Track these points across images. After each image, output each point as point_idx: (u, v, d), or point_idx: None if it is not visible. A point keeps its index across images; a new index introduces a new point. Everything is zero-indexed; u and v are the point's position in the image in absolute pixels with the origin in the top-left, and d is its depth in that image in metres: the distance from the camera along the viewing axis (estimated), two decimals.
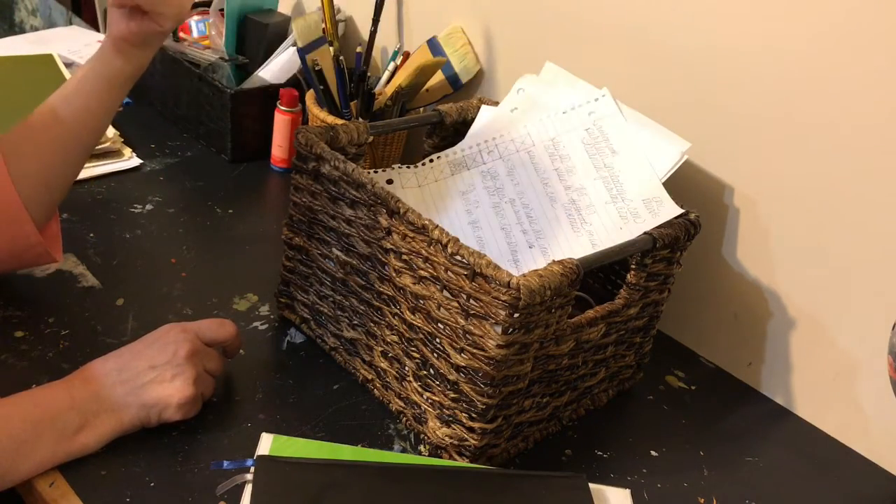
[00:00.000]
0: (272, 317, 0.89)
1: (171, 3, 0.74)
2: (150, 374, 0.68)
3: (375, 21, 1.18)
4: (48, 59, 1.31)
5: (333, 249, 0.80)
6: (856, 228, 0.83)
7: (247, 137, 1.18)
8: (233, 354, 0.78)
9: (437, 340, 0.71)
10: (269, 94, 1.18)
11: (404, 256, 0.72)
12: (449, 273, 0.68)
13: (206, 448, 0.71)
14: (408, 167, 0.86)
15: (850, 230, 0.83)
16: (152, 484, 0.67)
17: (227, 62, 1.23)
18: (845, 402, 0.88)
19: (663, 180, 0.81)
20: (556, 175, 0.84)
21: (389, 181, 0.85)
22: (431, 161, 0.87)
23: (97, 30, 1.50)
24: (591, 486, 0.70)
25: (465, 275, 0.66)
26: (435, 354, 0.72)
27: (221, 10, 1.29)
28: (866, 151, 0.80)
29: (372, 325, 0.79)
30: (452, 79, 1.15)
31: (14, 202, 0.75)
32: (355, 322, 0.81)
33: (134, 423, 0.68)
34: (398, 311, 0.75)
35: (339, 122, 1.09)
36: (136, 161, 1.12)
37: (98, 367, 0.69)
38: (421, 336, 0.73)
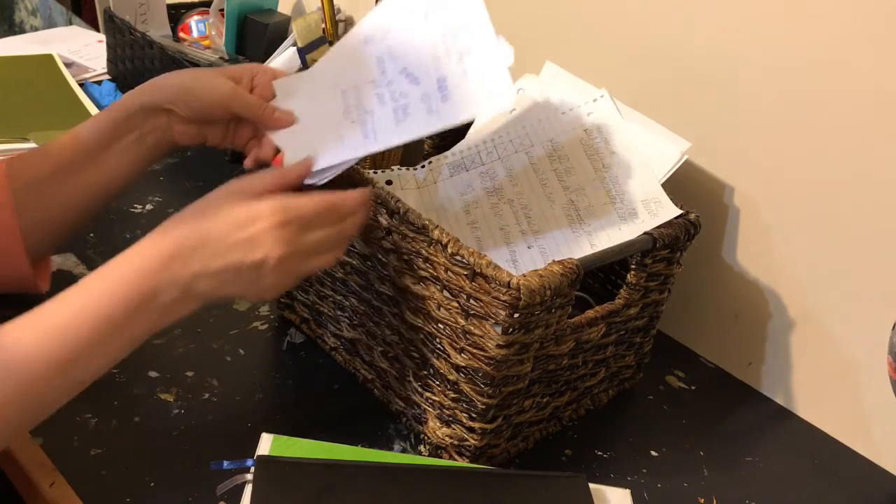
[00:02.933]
0: (272, 317, 0.89)
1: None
2: (232, 274, 0.59)
3: None
4: (48, 59, 1.31)
5: None
6: (856, 228, 0.83)
7: None
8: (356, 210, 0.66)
9: (437, 340, 0.71)
10: None
11: (404, 256, 0.72)
12: (449, 273, 0.68)
13: (206, 448, 0.71)
14: (407, 169, 0.86)
15: (850, 230, 0.83)
16: (152, 484, 0.67)
17: (227, 62, 1.23)
18: (845, 402, 0.88)
19: (663, 180, 0.81)
20: (555, 176, 0.84)
21: (389, 182, 0.85)
22: (430, 163, 0.87)
23: (97, 30, 1.50)
24: (591, 486, 0.70)
25: (465, 275, 0.66)
26: (435, 354, 0.72)
27: (221, 10, 1.30)
28: (866, 151, 0.80)
29: (372, 325, 0.79)
30: None
31: (9, 226, 0.69)
32: (355, 322, 0.81)
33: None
34: (398, 311, 0.75)
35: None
36: None
37: (179, 242, 0.59)
38: (421, 336, 0.73)
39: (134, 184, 0.75)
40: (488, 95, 0.66)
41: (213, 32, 1.31)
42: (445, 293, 0.69)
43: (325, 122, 0.72)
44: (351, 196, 0.65)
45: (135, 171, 0.75)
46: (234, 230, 0.59)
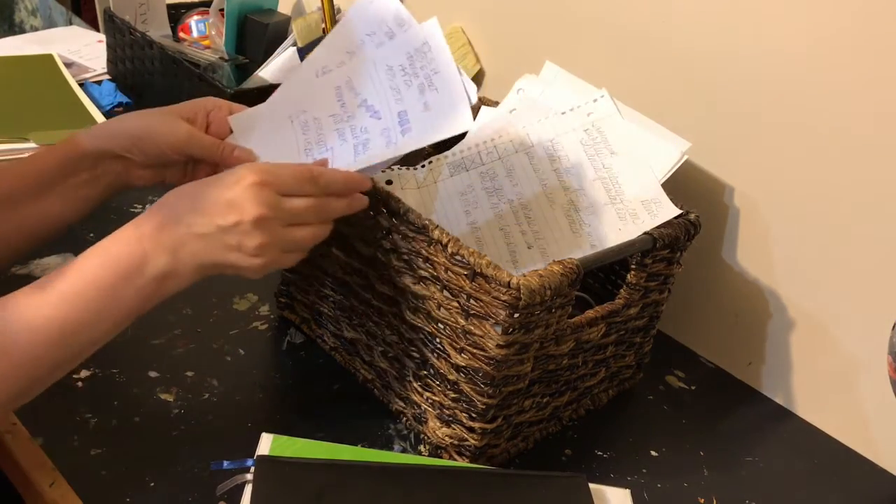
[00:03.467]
0: (272, 317, 0.89)
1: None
2: (215, 238, 0.60)
3: None
4: (48, 59, 1.31)
5: (333, 249, 0.80)
6: (856, 228, 0.83)
7: None
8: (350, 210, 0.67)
9: (437, 340, 0.71)
10: (269, 94, 1.17)
11: (404, 256, 0.72)
12: (449, 273, 0.68)
13: (206, 448, 0.71)
14: (407, 169, 0.86)
15: (850, 230, 0.83)
16: (152, 484, 0.67)
17: (227, 62, 1.23)
18: (845, 402, 0.88)
19: (664, 180, 0.81)
20: (555, 176, 0.84)
21: (389, 182, 0.85)
22: (430, 163, 0.87)
23: (97, 30, 1.50)
24: (591, 486, 0.70)
25: (465, 275, 0.66)
26: (435, 354, 0.72)
27: (221, 10, 1.29)
28: (866, 151, 0.80)
29: (372, 325, 0.79)
30: None
31: None
32: (355, 322, 0.81)
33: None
34: (398, 311, 0.75)
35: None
36: None
37: (170, 210, 0.61)
38: (421, 336, 0.73)
39: (86, 216, 0.75)
40: (449, 127, 0.66)
41: (213, 32, 1.31)
42: (445, 293, 0.69)
43: (285, 159, 0.71)
44: (331, 170, 0.65)
45: (87, 208, 0.74)
46: (217, 192, 0.60)
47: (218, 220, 0.60)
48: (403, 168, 0.86)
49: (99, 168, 0.72)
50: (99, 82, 1.31)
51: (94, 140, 0.72)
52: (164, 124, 0.72)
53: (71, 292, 0.58)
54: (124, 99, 1.28)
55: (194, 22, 1.35)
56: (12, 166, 0.72)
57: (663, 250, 0.78)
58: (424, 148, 0.94)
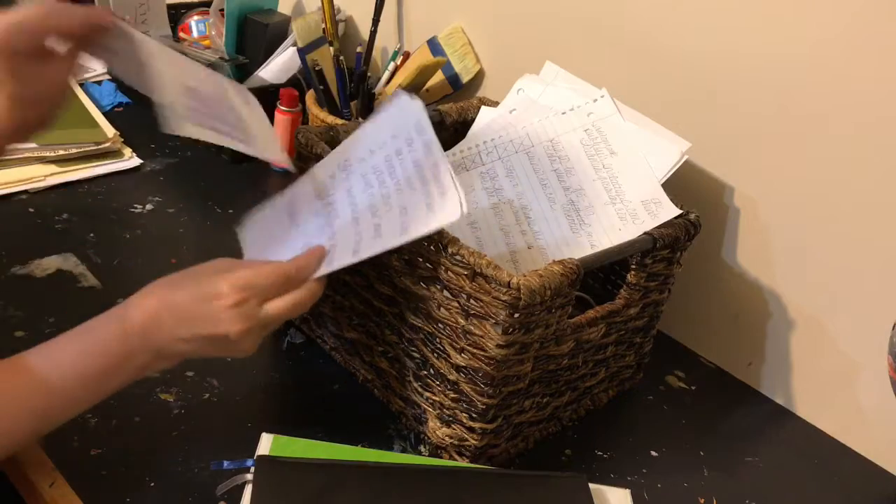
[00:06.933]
0: None
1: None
2: (200, 342, 0.63)
3: (375, 21, 1.18)
4: None
5: None
6: (856, 228, 0.83)
7: None
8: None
9: (437, 340, 0.71)
10: (269, 94, 1.17)
11: (404, 256, 0.72)
12: (449, 273, 0.68)
13: (206, 448, 0.71)
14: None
15: (850, 230, 0.83)
16: (152, 484, 0.67)
17: (227, 62, 1.23)
18: (845, 402, 0.88)
19: (664, 180, 0.81)
20: (555, 176, 0.84)
21: None
22: None
23: None
24: (591, 486, 0.70)
25: (466, 275, 0.66)
26: (435, 354, 0.72)
27: (221, 10, 1.29)
28: (866, 152, 0.80)
29: (372, 325, 0.79)
30: (452, 79, 1.15)
31: None
32: (355, 322, 0.81)
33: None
34: (398, 311, 0.75)
35: (340, 122, 1.09)
36: (136, 161, 1.12)
37: (154, 317, 0.63)
38: (421, 336, 0.73)
39: None
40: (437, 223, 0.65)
41: (213, 32, 1.31)
42: (445, 293, 0.69)
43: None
44: (304, 263, 0.67)
45: None
46: (198, 304, 0.62)
47: (201, 331, 0.62)
48: None
49: None
50: (99, 82, 1.31)
51: None
52: None
53: (59, 386, 0.60)
54: (124, 99, 1.28)
55: (194, 22, 1.35)
56: None
57: (663, 250, 0.78)
58: None
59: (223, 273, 0.63)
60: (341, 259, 0.67)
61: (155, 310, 0.62)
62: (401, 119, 0.72)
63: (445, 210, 0.64)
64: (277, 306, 0.64)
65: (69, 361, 0.61)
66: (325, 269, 0.67)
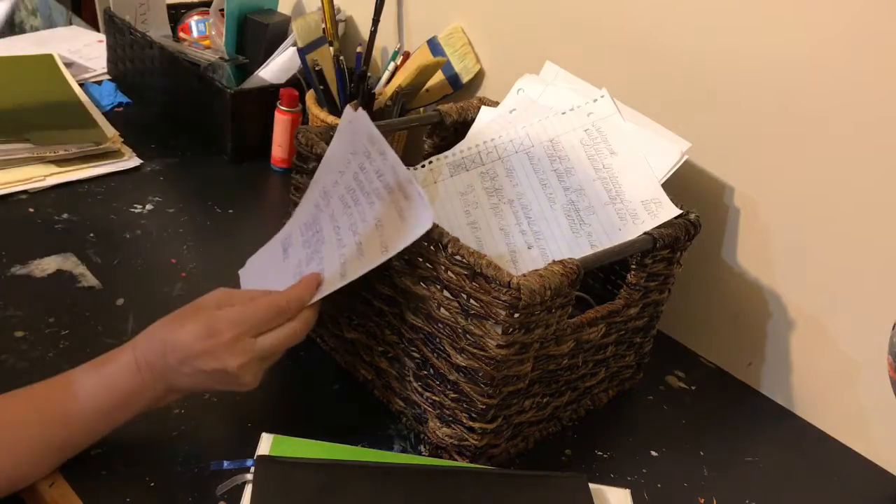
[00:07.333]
0: None
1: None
2: (203, 376, 0.66)
3: (375, 21, 1.18)
4: (48, 59, 1.31)
5: None
6: (856, 228, 0.83)
7: (247, 137, 1.18)
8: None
9: (438, 340, 0.71)
10: (269, 94, 1.18)
11: (404, 256, 0.72)
12: (449, 273, 0.68)
13: (206, 448, 0.71)
14: (407, 169, 0.86)
15: (851, 230, 0.83)
16: (152, 484, 0.67)
17: (227, 62, 1.23)
18: (845, 402, 0.88)
19: (664, 180, 0.81)
20: (555, 176, 0.84)
21: None
22: (430, 163, 0.87)
23: (97, 30, 1.50)
24: (591, 486, 0.70)
25: (466, 275, 0.66)
26: (435, 354, 0.72)
27: (221, 10, 1.29)
28: (866, 151, 0.80)
29: (372, 325, 0.79)
30: (452, 79, 1.15)
31: None
32: (355, 322, 0.81)
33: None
34: (398, 311, 0.75)
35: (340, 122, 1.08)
36: (136, 161, 1.12)
37: (160, 355, 0.66)
38: (421, 336, 0.73)
39: None
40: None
41: (213, 32, 1.31)
42: (446, 293, 0.69)
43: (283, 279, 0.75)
44: (297, 294, 0.70)
45: None
46: (198, 342, 0.65)
47: (204, 367, 0.65)
48: None
49: None
50: (99, 82, 1.31)
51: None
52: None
53: (77, 417, 0.64)
54: (124, 99, 1.29)
55: (194, 22, 1.35)
56: None
57: (663, 250, 0.78)
58: (424, 148, 0.95)
59: (222, 308, 0.67)
60: (330, 284, 0.70)
61: (160, 348, 0.66)
62: (354, 134, 0.74)
63: (415, 215, 0.66)
64: (271, 339, 0.67)
65: (86, 394, 0.64)
66: (316, 296, 0.70)
